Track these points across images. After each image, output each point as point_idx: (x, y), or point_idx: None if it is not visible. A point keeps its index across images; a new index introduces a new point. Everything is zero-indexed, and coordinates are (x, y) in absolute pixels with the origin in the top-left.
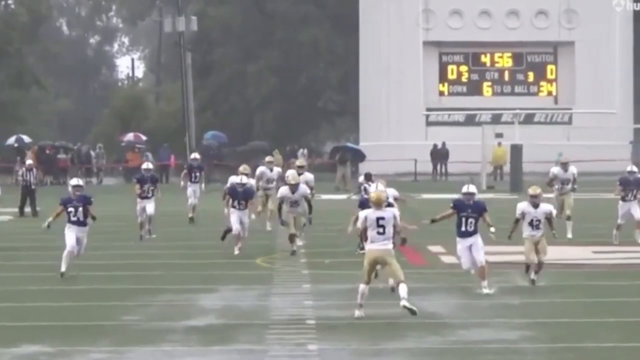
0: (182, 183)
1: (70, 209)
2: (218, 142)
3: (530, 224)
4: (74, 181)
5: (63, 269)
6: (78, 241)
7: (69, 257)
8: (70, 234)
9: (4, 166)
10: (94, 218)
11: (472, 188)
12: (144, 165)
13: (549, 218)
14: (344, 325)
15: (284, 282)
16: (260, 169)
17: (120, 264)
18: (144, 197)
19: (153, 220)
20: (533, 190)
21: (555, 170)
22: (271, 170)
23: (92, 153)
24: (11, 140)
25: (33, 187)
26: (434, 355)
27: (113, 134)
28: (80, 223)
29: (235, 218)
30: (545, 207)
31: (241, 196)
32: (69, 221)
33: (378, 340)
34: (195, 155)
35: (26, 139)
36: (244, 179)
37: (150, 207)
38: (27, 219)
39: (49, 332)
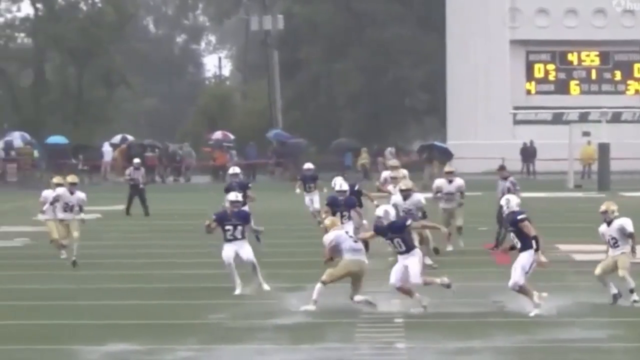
0: (297, 190)
1: (228, 227)
2: (279, 140)
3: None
4: (232, 196)
5: (238, 291)
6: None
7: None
8: (229, 249)
9: (94, 164)
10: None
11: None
12: (231, 170)
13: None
14: (432, 323)
15: (372, 281)
16: (384, 174)
17: (207, 262)
18: None
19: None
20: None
21: None
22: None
23: (179, 151)
24: (116, 139)
25: (141, 186)
26: (522, 353)
27: (200, 132)
28: (239, 239)
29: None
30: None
31: (343, 206)
32: (227, 239)
33: (465, 338)
34: (309, 165)
35: (130, 138)
36: (344, 186)
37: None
38: (117, 217)
39: (137, 331)
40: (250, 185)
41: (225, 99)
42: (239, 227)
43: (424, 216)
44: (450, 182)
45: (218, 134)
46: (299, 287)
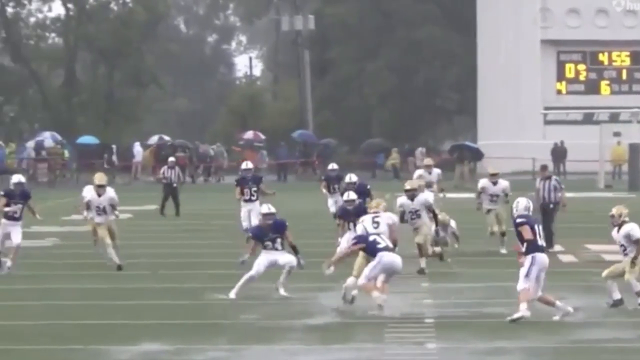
0: (323, 190)
1: (267, 243)
2: (306, 140)
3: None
4: (265, 209)
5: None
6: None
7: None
8: (265, 258)
9: (125, 165)
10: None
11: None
12: (243, 165)
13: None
14: (462, 323)
15: (403, 281)
16: (418, 172)
17: (236, 262)
18: (247, 201)
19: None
20: None
21: None
22: (430, 173)
23: (211, 151)
24: (153, 139)
25: (175, 185)
26: (552, 354)
27: (231, 132)
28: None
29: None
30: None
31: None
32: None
33: (496, 339)
34: (333, 165)
35: (167, 138)
36: (352, 195)
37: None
38: (148, 217)
39: (167, 330)
40: (262, 178)
41: (256, 99)
42: (278, 240)
43: (434, 215)
44: (494, 183)
45: (249, 134)
46: (328, 287)
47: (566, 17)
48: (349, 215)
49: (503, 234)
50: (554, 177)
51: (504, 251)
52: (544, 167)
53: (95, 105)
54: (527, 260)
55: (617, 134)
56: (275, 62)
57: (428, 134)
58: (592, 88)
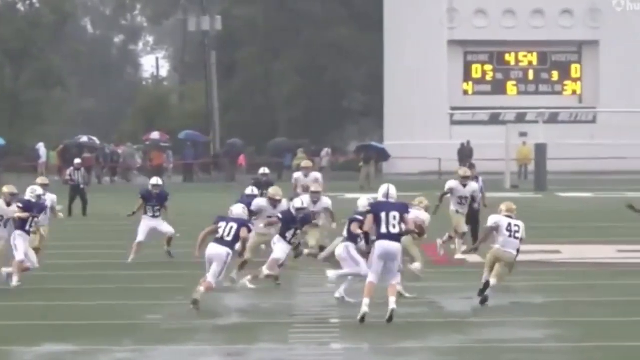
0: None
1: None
2: (195, 139)
3: None
4: (154, 180)
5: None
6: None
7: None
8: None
9: (31, 165)
10: None
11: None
12: (153, 181)
13: None
14: (367, 324)
15: (308, 282)
16: (296, 175)
17: (145, 262)
18: (152, 217)
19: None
20: None
21: None
22: (306, 176)
23: (119, 152)
24: (84, 139)
25: (82, 186)
26: (457, 354)
27: (138, 133)
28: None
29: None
30: None
31: (299, 224)
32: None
33: (401, 339)
34: (265, 170)
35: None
36: (305, 202)
37: (163, 227)
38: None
39: (73, 331)
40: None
41: (163, 100)
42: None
43: (333, 219)
44: (464, 186)
45: (155, 134)
46: (231, 288)
47: (473, 17)
48: (295, 223)
49: (463, 234)
50: (480, 179)
51: (459, 256)
52: (471, 166)
53: (0, 106)
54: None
55: (523, 134)
56: (182, 62)
57: (334, 135)
58: (498, 88)
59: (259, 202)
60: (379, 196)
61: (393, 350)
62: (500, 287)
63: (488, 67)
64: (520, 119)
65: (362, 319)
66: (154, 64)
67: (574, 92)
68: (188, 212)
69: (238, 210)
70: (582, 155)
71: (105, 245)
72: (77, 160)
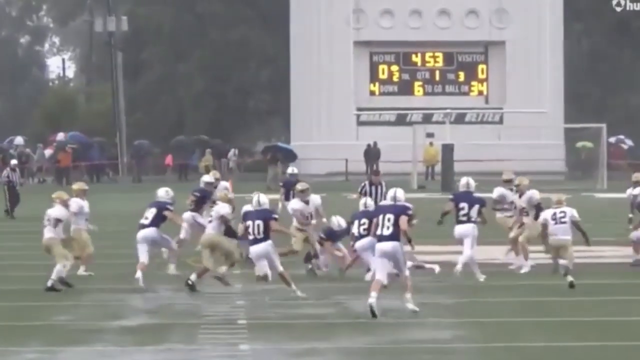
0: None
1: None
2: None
3: None
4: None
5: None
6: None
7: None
8: None
9: None
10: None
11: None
12: (290, 170)
13: None
14: (275, 325)
15: (216, 282)
16: (205, 178)
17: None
18: None
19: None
20: None
21: None
22: (215, 187)
23: (27, 152)
24: (19, 140)
25: (17, 187)
26: (366, 355)
27: (44, 133)
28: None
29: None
30: None
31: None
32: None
33: (310, 339)
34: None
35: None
36: (262, 198)
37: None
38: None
39: None
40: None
41: (69, 101)
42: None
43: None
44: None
45: (61, 136)
46: (138, 289)
47: (380, 18)
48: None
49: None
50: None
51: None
52: (376, 172)
53: None
54: None
55: (430, 135)
56: (88, 63)
57: (242, 135)
58: (405, 89)
59: (294, 206)
60: (387, 199)
61: (301, 351)
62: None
63: (394, 68)
64: (427, 119)
65: (372, 313)
66: (60, 65)
67: (481, 93)
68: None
69: (264, 199)
70: (488, 155)
71: (7, 247)
72: (14, 161)
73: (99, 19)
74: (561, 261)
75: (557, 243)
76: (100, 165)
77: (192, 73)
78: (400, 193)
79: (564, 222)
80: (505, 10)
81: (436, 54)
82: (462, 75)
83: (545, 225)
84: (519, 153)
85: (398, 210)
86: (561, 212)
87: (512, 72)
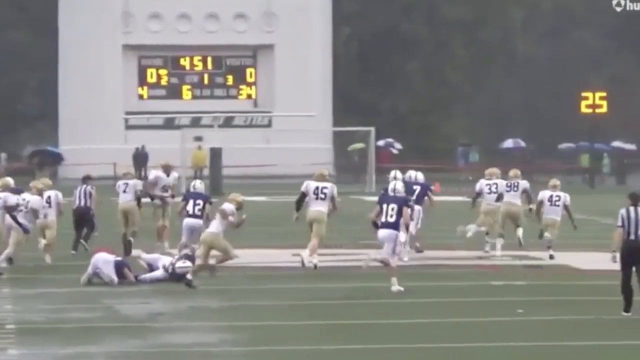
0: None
1: None
2: None
3: None
4: None
5: None
6: None
7: None
8: None
9: None
10: None
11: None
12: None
13: None
14: (44, 329)
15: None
16: (156, 173)
17: None
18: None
19: None
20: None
21: None
22: (168, 175)
23: None
24: None
25: None
26: (134, 358)
27: None
28: None
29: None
30: None
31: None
32: None
33: (79, 344)
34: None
35: None
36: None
37: None
38: None
39: None
40: None
41: None
42: None
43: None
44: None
45: None
46: None
47: (148, 22)
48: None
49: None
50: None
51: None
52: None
53: None
54: None
55: (198, 139)
56: None
57: (9, 139)
58: (173, 93)
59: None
60: (389, 190)
61: (70, 355)
62: (183, 291)
63: (163, 72)
64: (195, 123)
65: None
66: None
67: (249, 97)
68: None
69: (399, 186)
70: (257, 159)
71: None
72: None
73: None
74: (546, 234)
75: (548, 221)
76: None
77: None
78: (399, 185)
79: (558, 205)
80: (274, 13)
81: (205, 57)
82: (230, 79)
83: (541, 203)
84: (288, 157)
85: (400, 202)
86: (557, 195)
87: (281, 75)
